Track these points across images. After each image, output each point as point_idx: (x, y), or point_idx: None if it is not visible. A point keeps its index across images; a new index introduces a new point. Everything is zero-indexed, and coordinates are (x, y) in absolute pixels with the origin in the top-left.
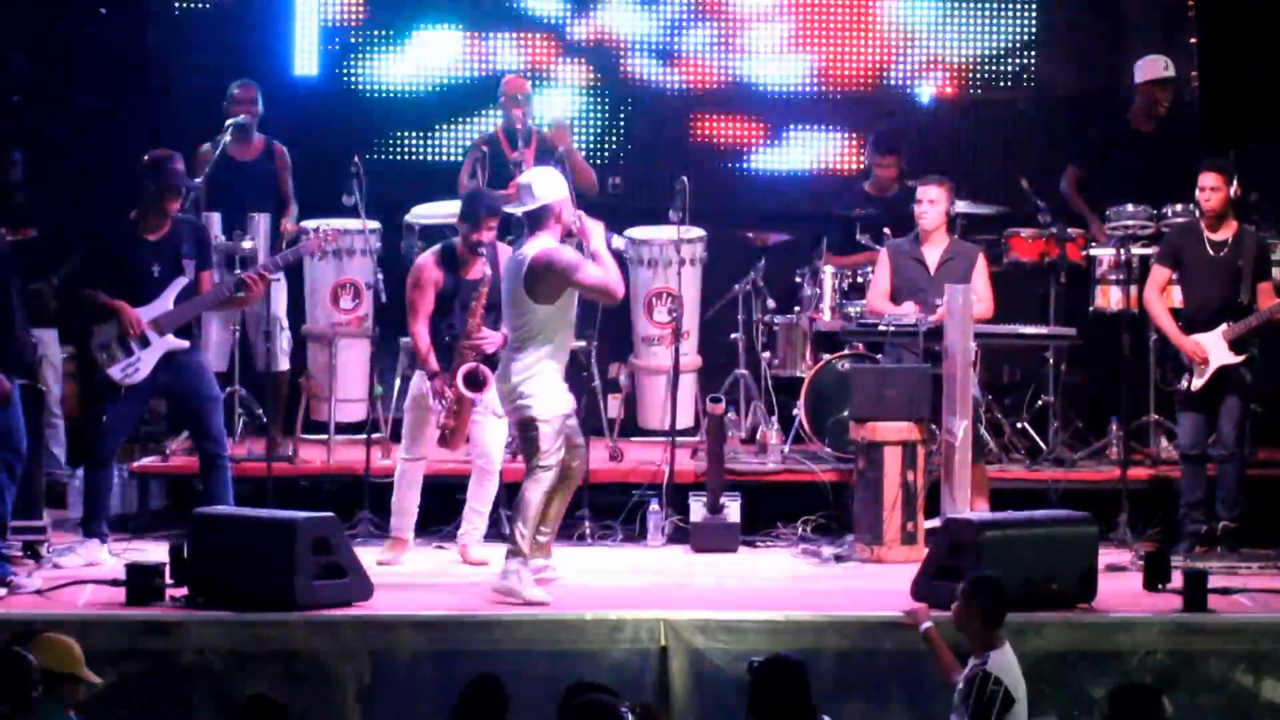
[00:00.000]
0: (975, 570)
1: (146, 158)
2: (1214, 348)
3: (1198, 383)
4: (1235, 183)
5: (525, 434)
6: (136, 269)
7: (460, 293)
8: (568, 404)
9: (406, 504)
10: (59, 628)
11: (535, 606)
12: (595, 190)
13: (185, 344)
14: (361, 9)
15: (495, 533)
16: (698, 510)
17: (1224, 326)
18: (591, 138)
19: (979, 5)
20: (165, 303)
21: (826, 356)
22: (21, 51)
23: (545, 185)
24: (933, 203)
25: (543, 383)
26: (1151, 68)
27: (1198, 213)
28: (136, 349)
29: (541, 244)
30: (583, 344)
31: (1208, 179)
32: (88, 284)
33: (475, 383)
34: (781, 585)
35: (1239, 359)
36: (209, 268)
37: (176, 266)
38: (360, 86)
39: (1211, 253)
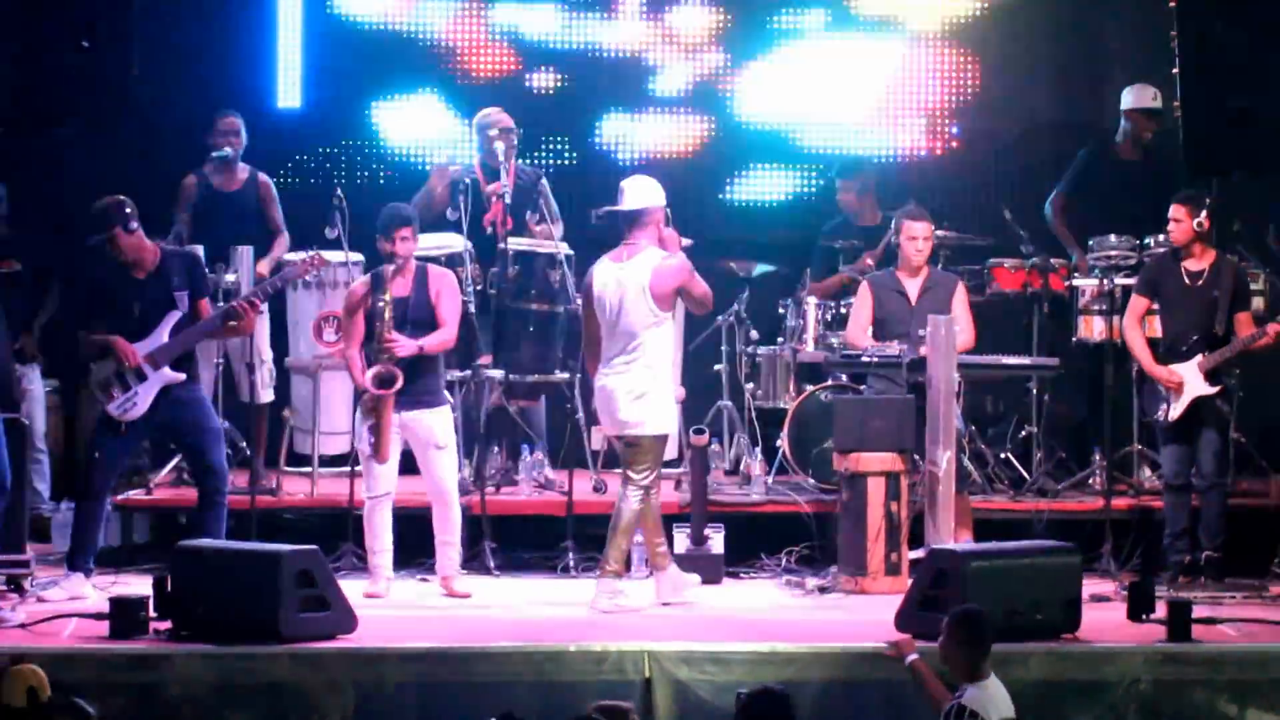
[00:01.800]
0: (959, 602)
1: None
2: (1190, 378)
3: (1175, 412)
4: (1204, 215)
5: (631, 451)
6: (126, 307)
7: (396, 313)
8: (675, 423)
9: (382, 541)
10: (39, 661)
11: (632, 612)
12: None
13: (182, 377)
14: (345, 40)
15: (479, 565)
16: (681, 542)
17: (1200, 357)
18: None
19: (962, 34)
20: (160, 336)
21: (810, 387)
22: (3, 84)
23: (644, 191)
24: (926, 239)
25: (660, 401)
26: (1140, 96)
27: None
28: (134, 384)
29: (655, 251)
30: (565, 376)
31: (1172, 210)
32: (81, 324)
33: (386, 382)
34: (765, 616)
35: (1215, 389)
36: (205, 296)
37: (168, 300)
38: (343, 118)
39: (1188, 283)
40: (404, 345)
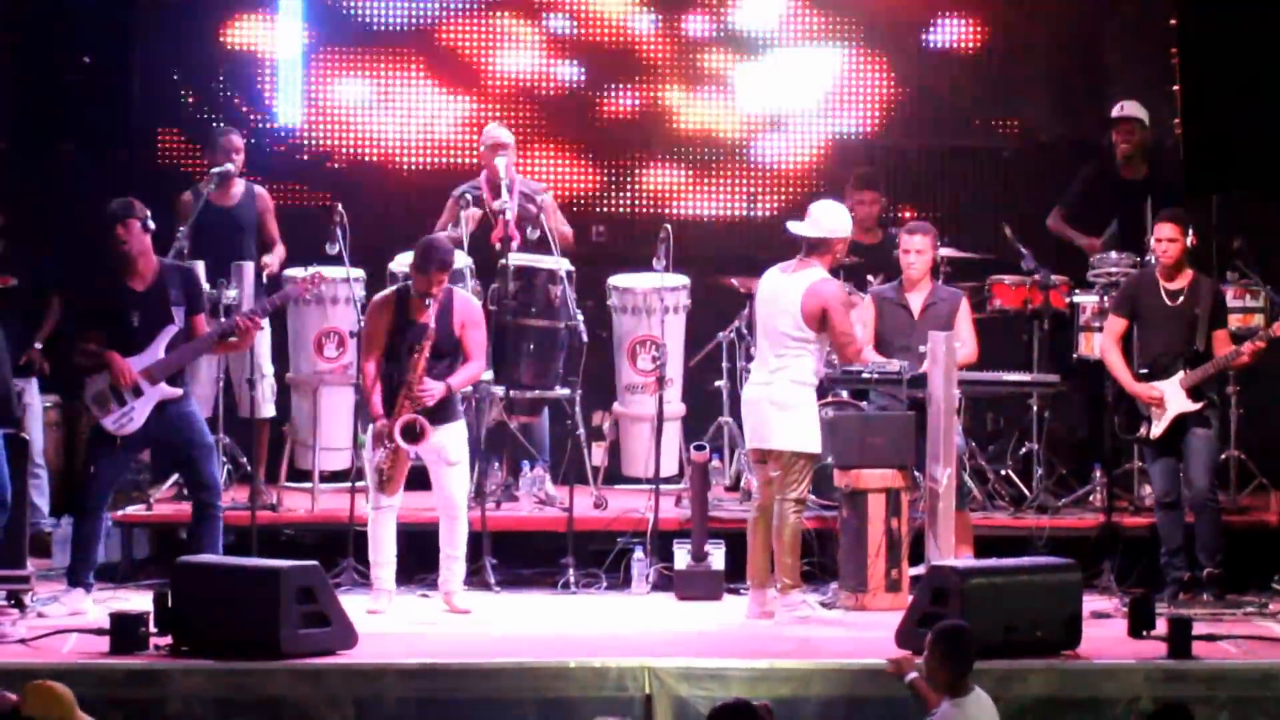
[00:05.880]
0: (960, 618)
1: None
2: (1172, 395)
3: (1157, 430)
4: (1191, 232)
5: (776, 466)
6: (123, 318)
7: (406, 337)
8: (819, 442)
9: (385, 554)
10: (43, 677)
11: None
12: (572, 247)
13: (179, 392)
14: (343, 57)
15: (480, 582)
16: (682, 558)
17: (1181, 374)
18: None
19: (961, 50)
20: (156, 351)
21: None
22: (2, 100)
23: (832, 219)
24: (920, 253)
25: (804, 417)
26: (1114, 110)
27: (1154, 261)
28: (129, 399)
29: (817, 274)
30: (566, 392)
31: (1165, 230)
32: (77, 337)
33: (412, 435)
34: (766, 633)
35: (1197, 406)
36: (200, 312)
37: (165, 314)
38: (343, 134)
39: (1168, 302)
40: (433, 393)
